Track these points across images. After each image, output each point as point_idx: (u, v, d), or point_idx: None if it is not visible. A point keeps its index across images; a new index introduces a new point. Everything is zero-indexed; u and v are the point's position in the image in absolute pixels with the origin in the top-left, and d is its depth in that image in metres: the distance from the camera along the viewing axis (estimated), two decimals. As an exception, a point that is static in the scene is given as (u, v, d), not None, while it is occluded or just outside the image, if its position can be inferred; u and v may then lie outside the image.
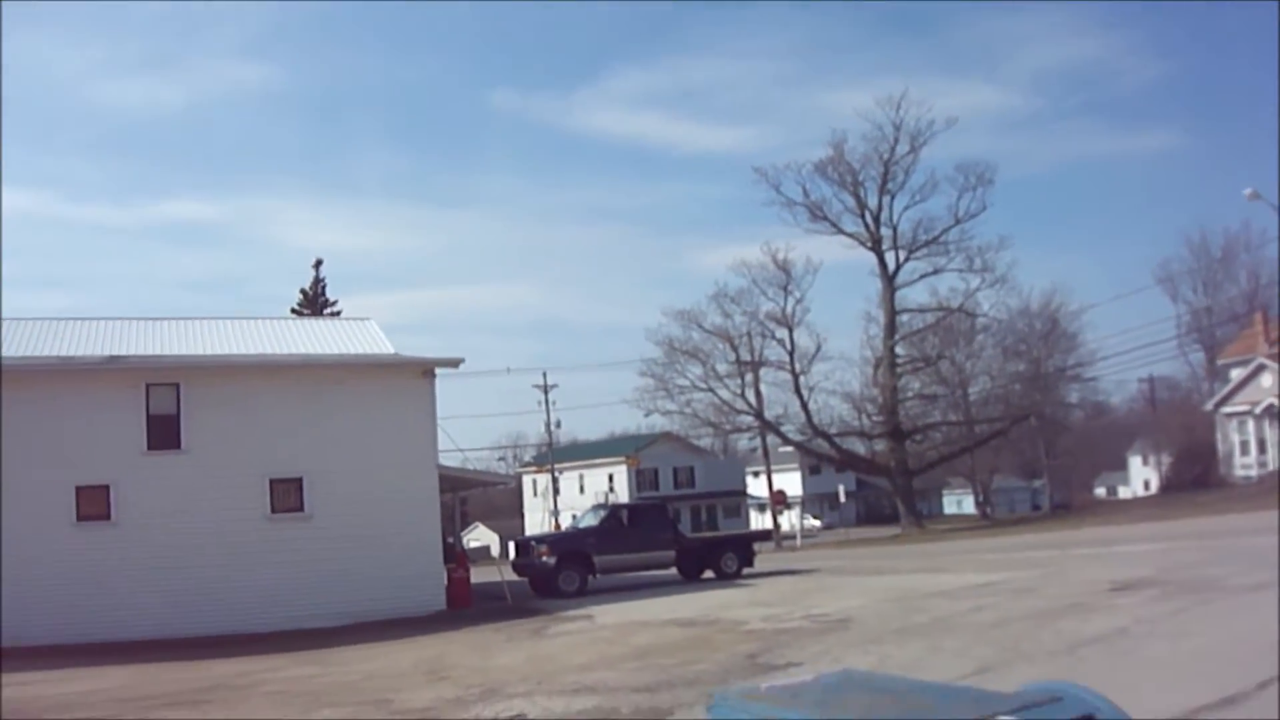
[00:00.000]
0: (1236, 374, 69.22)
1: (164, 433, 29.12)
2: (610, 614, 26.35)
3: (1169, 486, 76.76)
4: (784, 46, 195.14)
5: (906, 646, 16.14)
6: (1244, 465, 66.16)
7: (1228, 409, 68.11)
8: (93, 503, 27.86)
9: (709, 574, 36.71)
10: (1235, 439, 67.57)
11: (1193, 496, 58.64)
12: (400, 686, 17.64)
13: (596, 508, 47.42)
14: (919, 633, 17.49)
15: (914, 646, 16.08)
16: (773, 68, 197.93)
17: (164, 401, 29.25)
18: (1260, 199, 41.51)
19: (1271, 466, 62.63)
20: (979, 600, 21.19)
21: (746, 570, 37.18)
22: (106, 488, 28.13)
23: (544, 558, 34.65)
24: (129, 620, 26.63)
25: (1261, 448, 65.08)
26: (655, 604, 28.16)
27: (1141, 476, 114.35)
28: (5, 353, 29.32)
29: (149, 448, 28.93)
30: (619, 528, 36.51)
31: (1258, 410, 64.56)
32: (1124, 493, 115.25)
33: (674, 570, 36.93)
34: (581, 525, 39.40)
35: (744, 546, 38.85)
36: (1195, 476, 68.44)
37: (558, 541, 36.99)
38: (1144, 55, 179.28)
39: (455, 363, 33.18)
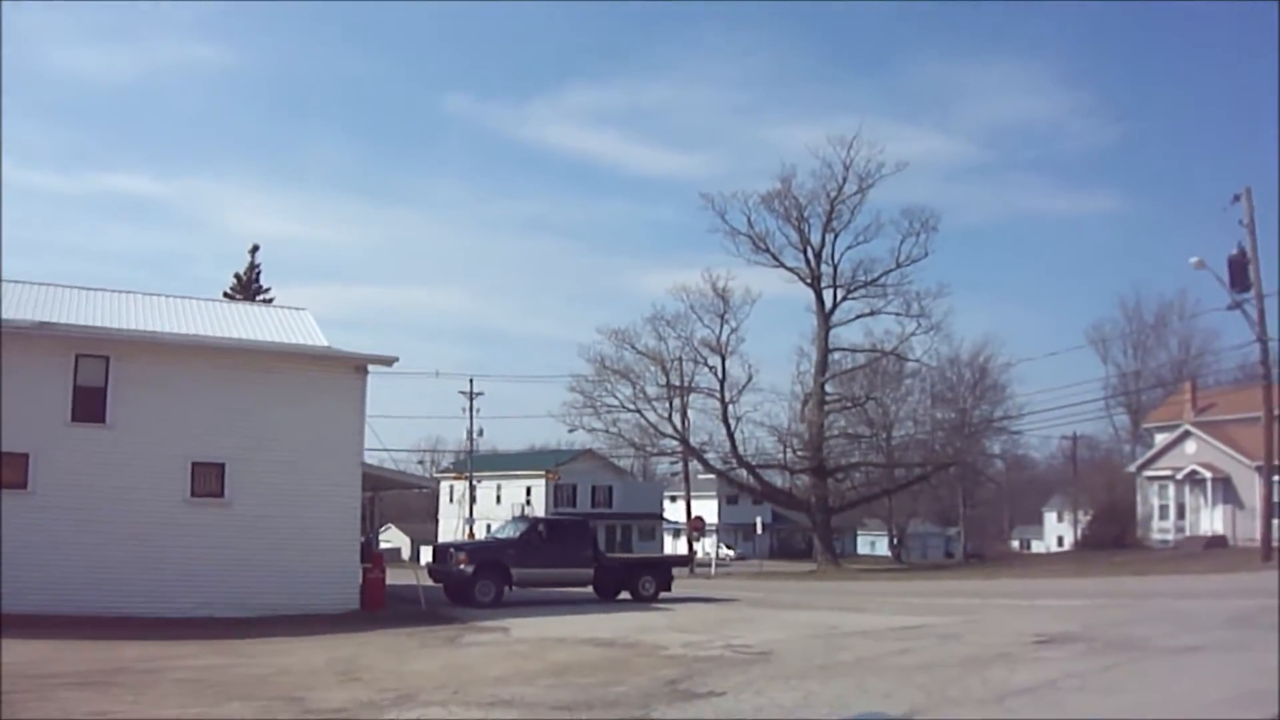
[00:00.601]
0: (1161, 439, 69.82)
1: (90, 405, 28.55)
2: (526, 628, 26.04)
3: (1086, 544, 77.32)
4: (740, 76, 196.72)
5: (831, 684, 15.91)
6: (1162, 529, 66.68)
7: (1150, 472, 68.66)
8: (12, 470, 27.13)
9: (625, 595, 36.44)
10: (1155, 502, 68.09)
11: (1110, 555, 59.06)
12: (313, 685, 17.26)
13: (516, 519, 47.14)
14: (843, 671, 17.27)
15: (839, 685, 15.85)
16: (727, 96, 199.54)
17: (92, 373, 28.69)
18: (1206, 268, 41.71)
19: (1189, 532, 63.20)
20: (903, 643, 21.01)
21: (664, 594, 36.99)
22: (26, 456, 27.50)
23: (462, 566, 34.27)
24: (39, 593, 25.90)
25: (1181, 513, 65.61)
26: (572, 621, 27.86)
27: (1056, 532, 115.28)
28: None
29: (73, 419, 28.39)
30: (539, 541, 36.14)
31: (1179, 476, 65.10)
32: (1037, 547, 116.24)
33: (590, 589, 36.63)
34: (500, 536, 39.00)
35: (663, 570, 38.68)
36: (1114, 536, 68.87)
37: (476, 550, 36.63)
38: (1096, 118, 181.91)
39: (389, 361, 32.80)
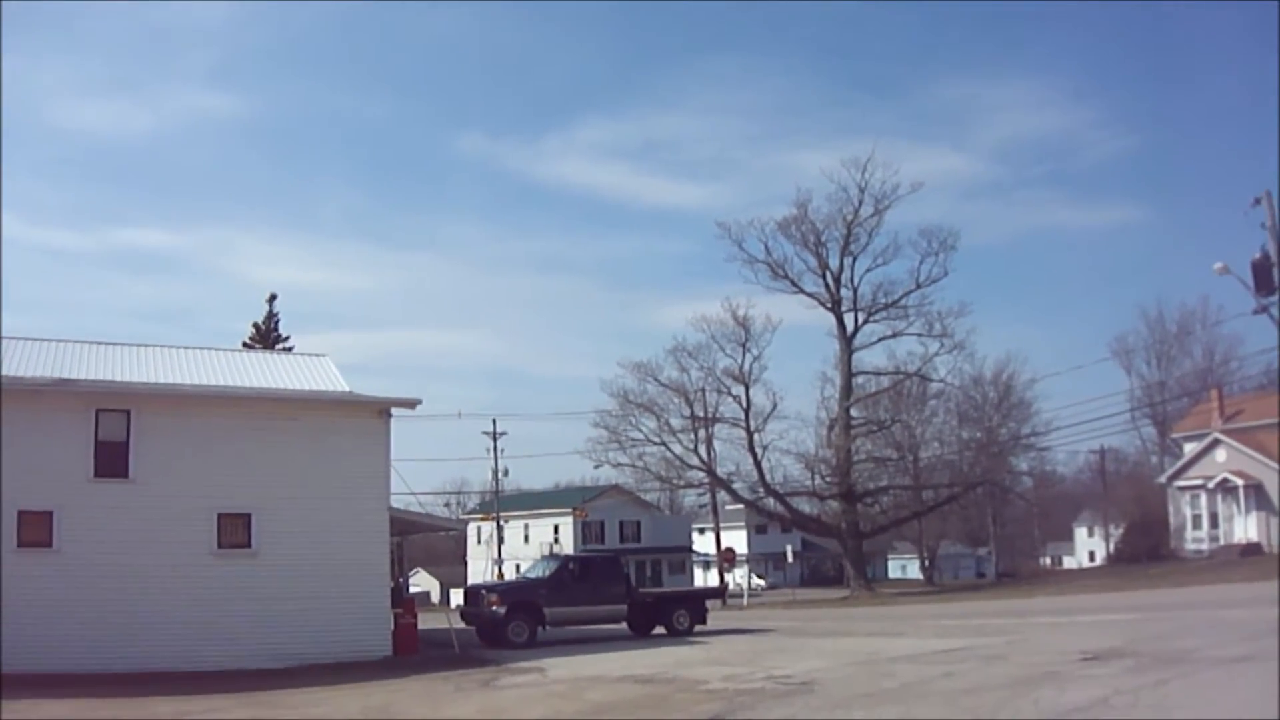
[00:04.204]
0: (1190, 448, 69.43)
1: (112, 460, 28.26)
2: (562, 667, 25.74)
3: (1119, 558, 76.79)
4: (752, 104, 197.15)
5: (878, 712, 15.60)
6: (1195, 539, 66.29)
7: (1181, 482, 68.23)
8: (35, 529, 26.81)
9: (659, 630, 36.09)
10: (1188, 512, 67.69)
11: (1145, 568, 58.58)
12: (349, 734, 16.99)
13: (547, 558, 46.79)
14: (889, 698, 16.93)
15: (886, 713, 15.55)
16: (740, 125, 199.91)
17: (113, 428, 28.41)
18: (1230, 273, 41.21)
19: (1223, 540, 62.72)
20: (948, 666, 20.66)
21: (699, 628, 36.64)
22: (50, 514, 27.14)
23: (494, 607, 34.01)
24: (67, 652, 25.66)
25: (1214, 522, 65.20)
26: (608, 659, 27.48)
27: (1087, 547, 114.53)
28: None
29: (96, 474, 28.05)
30: (570, 579, 35.97)
31: (1211, 485, 64.66)
32: (1069, 563, 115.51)
33: (624, 625, 36.31)
34: (531, 575, 38.72)
35: (698, 603, 38.39)
36: (1148, 549, 68.35)
37: (508, 591, 36.36)
38: (1110, 129, 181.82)
39: (412, 403, 32.55)
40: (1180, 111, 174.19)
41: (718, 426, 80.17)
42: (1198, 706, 14.26)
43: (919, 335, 78.01)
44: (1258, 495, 62.24)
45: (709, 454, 79.68)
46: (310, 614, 28.98)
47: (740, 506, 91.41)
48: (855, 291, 79.28)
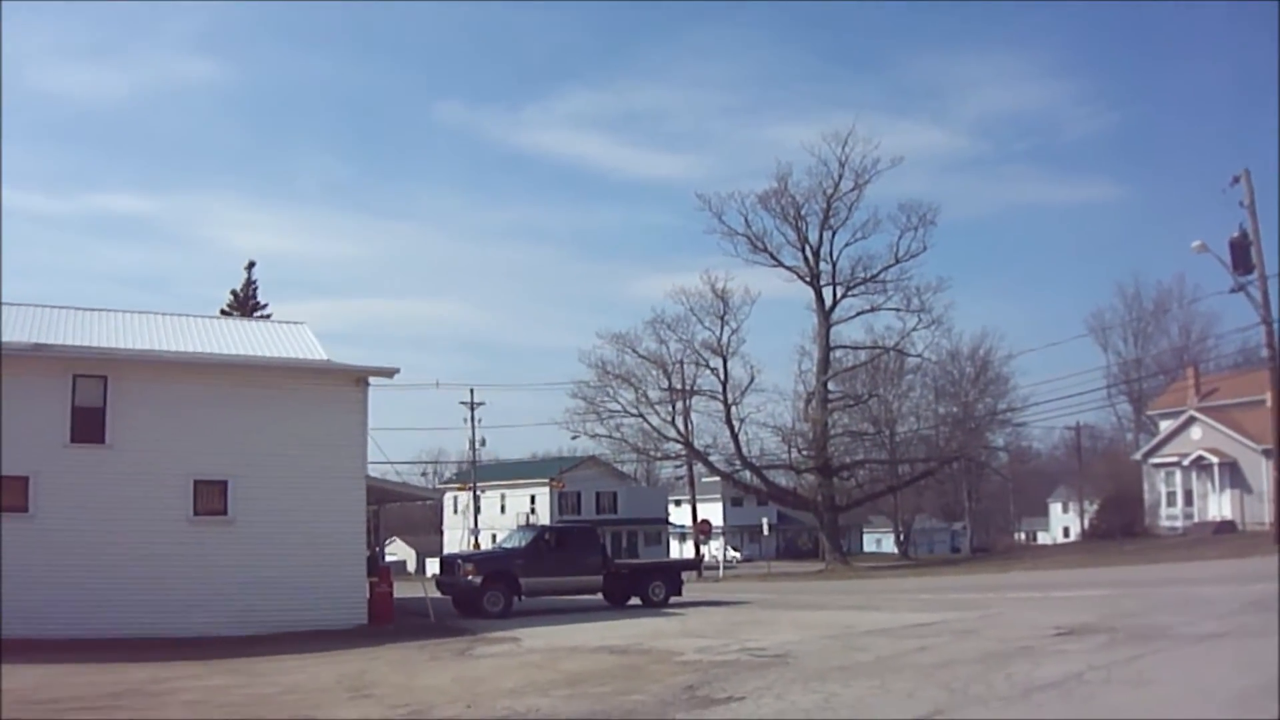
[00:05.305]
0: (1165, 425, 69.65)
1: (89, 426, 28.26)
2: (537, 637, 25.78)
3: (1094, 534, 77.03)
4: (733, 76, 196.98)
5: (852, 685, 15.58)
6: (1170, 516, 66.53)
7: (1156, 459, 68.48)
8: (11, 494, 26.82)
9: (635, 601, 36.19)
10: (1162, 490, 67.92)
11: (1120, 545, 58.79)
12: (322, 703, 16.96)
13: (523, 528, 46.78)
14: (863, 671, 16.94)
15: (859, 686, 15.53)
16: (721, 97, 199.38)
17: (90, 394, 28.38)
18: (1208, 251, 41.41)
19: (1198, 518, 62.99)
20: (921, 640, 20.71)
21: (674, 599, 36.74)
22: (26, 479, 27.16)
23: (470, 576, 34.03)
24: (42, 618, 25.62)
25: (1188, 499, 65.45)
26: (583, 629, 27.56)
27: (1061, 523, 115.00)
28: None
29: (72, 440, 28.10)
30: (547, 550, 35.96)
31: (1186, 462, 64.89)
32: (1043, 539, 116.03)
33: (600, 596, 36.41)
34: (507, 545, 38.71)
35: (673, 575, 38.52)
36: (1122, 525, 68.56)
37: (484, 561, 36.34)
38: (1091, 105, 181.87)
39: (390, 372, 32.52)
40: (1161, 89, 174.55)
41: (695, 399, 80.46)
42: (1171, 682, 14.30)
43: (897, 310, 78.06)
44: (1232, 473, 62.45)
45: (686, 426, 79.91)
46: (286, 581, 29.02)
47: (716, 479, 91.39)
48: (834, 265, 79.35)
